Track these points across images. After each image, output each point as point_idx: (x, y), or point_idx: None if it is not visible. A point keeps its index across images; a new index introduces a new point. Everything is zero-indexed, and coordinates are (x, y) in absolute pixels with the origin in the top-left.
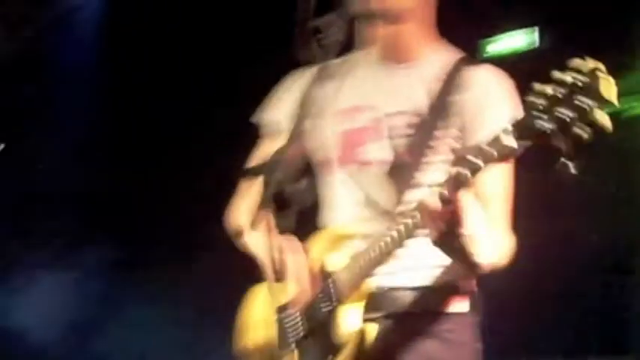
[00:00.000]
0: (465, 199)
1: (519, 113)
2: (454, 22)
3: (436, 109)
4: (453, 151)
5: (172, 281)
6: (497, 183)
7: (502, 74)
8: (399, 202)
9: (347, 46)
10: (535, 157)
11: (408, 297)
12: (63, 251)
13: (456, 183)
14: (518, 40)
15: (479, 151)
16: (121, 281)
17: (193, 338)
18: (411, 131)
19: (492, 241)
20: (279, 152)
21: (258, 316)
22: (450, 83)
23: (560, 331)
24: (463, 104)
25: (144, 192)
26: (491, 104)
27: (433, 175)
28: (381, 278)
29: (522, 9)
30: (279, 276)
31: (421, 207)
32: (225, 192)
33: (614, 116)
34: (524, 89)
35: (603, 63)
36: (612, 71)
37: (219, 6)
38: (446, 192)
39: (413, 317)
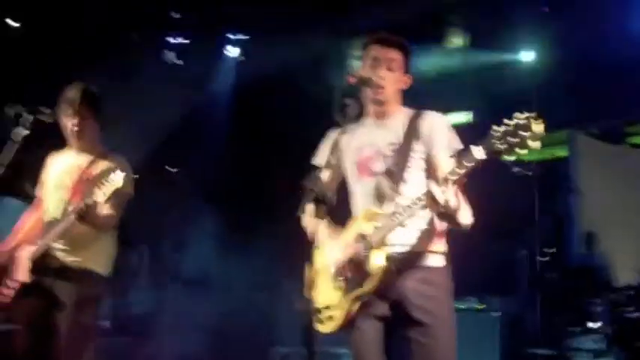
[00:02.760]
0: (453, 192)
1: (452, 136)
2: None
3: (407, 139)
4: (450, 170)
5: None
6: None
7: (440, 115)
8: (394, 192)
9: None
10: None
11: (411, 257)
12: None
13: (450, 183)
14: (462, 116)
15: (460, 164)
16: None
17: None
18: (394, 153)
19: (465, 213)
20: (319, 177)
21: (321, 267)
22: (412, 124)
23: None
24: (421, 133)
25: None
26: (437, 131)
27: (410, 175)
28: (395, 248)
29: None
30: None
31: (429, 195)
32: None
33: None
34: (464, 143)
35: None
36: None
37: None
38: (446, 187)
39: (414, 268)
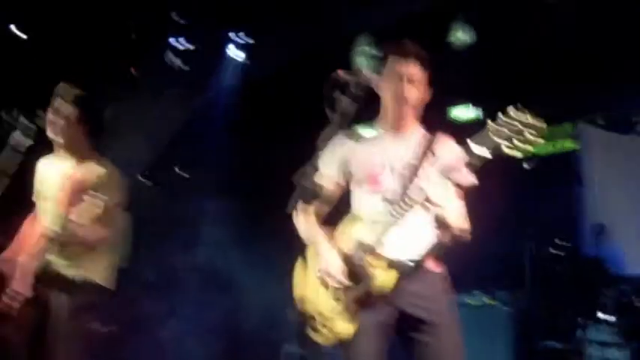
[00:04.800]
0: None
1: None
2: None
3: (422, 159)
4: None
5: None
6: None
7: (451, 139)
8: (400, 207)
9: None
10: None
11: (410, 264)
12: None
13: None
14: (470, 112)
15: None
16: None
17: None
18: (406, 169)
19: (458, 217)
20: (311, 172)
21: (315, 272)
22: (428, 145)
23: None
24: (437, 157)
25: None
26: (449, 152)
27: (418, 192)
28: (397, 253)
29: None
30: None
31: (416, 191)
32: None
33: None
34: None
35: None
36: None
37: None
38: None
39: (413, 273)
